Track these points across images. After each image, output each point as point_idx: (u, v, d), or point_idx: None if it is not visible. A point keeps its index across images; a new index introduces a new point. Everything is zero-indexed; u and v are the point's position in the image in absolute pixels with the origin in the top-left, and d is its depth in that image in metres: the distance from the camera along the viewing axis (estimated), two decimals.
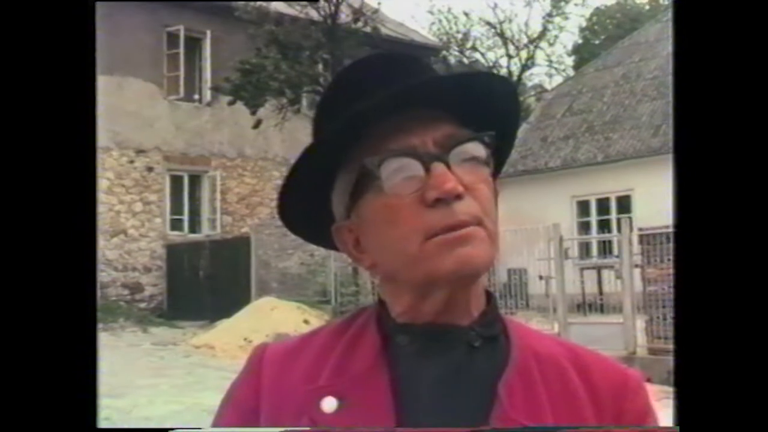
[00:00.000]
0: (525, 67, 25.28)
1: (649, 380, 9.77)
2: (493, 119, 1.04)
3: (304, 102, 20.56)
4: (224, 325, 15.16)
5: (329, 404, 0.98)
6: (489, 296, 1.06)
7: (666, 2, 35.33)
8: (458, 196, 0.96)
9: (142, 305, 19.79)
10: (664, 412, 1.08)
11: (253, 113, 19.22)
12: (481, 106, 1.03)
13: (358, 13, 19.93)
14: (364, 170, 0.99)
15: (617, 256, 13.48)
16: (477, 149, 1.00)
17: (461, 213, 0.96)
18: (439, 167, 0.97)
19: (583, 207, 19.24)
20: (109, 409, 7.59)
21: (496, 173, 1.05)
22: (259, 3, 19.36)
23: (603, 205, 18.91)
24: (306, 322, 14.75)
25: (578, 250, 17.68)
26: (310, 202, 1.07)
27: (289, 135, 20.66)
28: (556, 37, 25.56)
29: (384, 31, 20.83)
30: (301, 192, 1.05)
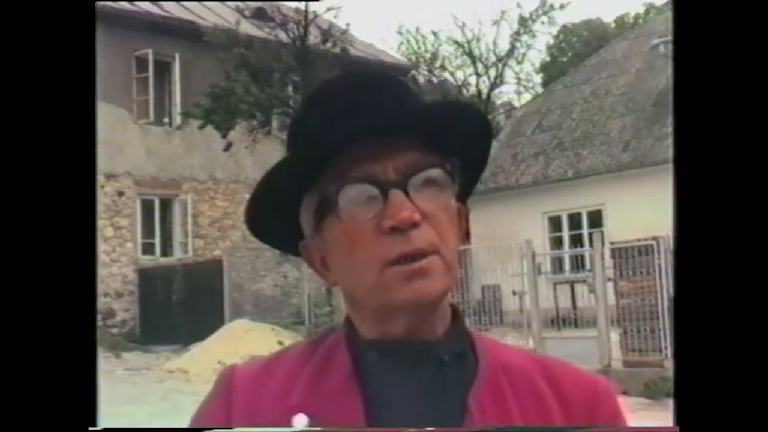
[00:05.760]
0: (494, 86, 25.44)
1: (624, 393, 9.81)
2: (461, 145, 1.04)
3: (275, 124, 20.54)
4: (198, 349, 15.02)
5: (301, 422, 0.98)
6: (455, 312, 1.06)
7: (631, 21, 35.79)
8: (415, 224, 0.96)
9: (115, 330, 19.56)
10: (643, 423, 1.10)
11: (224, 136, 19.17)
12: (448, 133, 1.02)
13: (327, 35, 20.00)
14: (324, 196, 1.00)
15: (590, 271, 13.56)
16: (437, 176, 0.99)
17: (418, 241, 0.96)
18: (396, 195, 0.97)
19: (555, 223, 19.34)
20: None
21: (466, 196, 1.05)
22: (228, 26, 19.36)
23: (575, 221, 19.03)
24: (280, 343, 14.64)
25: (551, 265, 17.76)
26: (279, 214, 1.06)
27: (261, 157, 20.59)
28: (524, 55, 25.75)
29: (353, 52, 20.90)
30: (270, 205, 1.05)
